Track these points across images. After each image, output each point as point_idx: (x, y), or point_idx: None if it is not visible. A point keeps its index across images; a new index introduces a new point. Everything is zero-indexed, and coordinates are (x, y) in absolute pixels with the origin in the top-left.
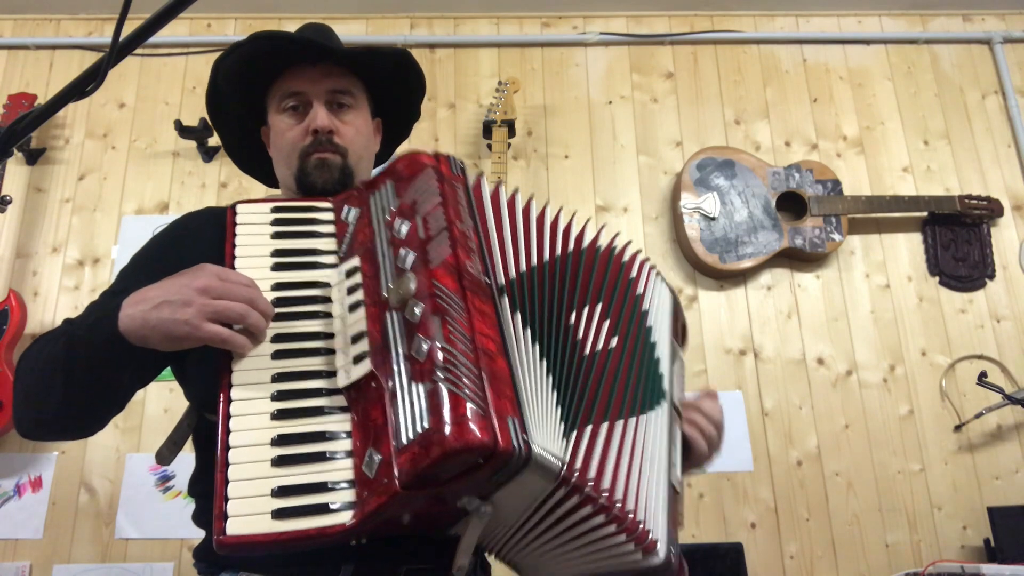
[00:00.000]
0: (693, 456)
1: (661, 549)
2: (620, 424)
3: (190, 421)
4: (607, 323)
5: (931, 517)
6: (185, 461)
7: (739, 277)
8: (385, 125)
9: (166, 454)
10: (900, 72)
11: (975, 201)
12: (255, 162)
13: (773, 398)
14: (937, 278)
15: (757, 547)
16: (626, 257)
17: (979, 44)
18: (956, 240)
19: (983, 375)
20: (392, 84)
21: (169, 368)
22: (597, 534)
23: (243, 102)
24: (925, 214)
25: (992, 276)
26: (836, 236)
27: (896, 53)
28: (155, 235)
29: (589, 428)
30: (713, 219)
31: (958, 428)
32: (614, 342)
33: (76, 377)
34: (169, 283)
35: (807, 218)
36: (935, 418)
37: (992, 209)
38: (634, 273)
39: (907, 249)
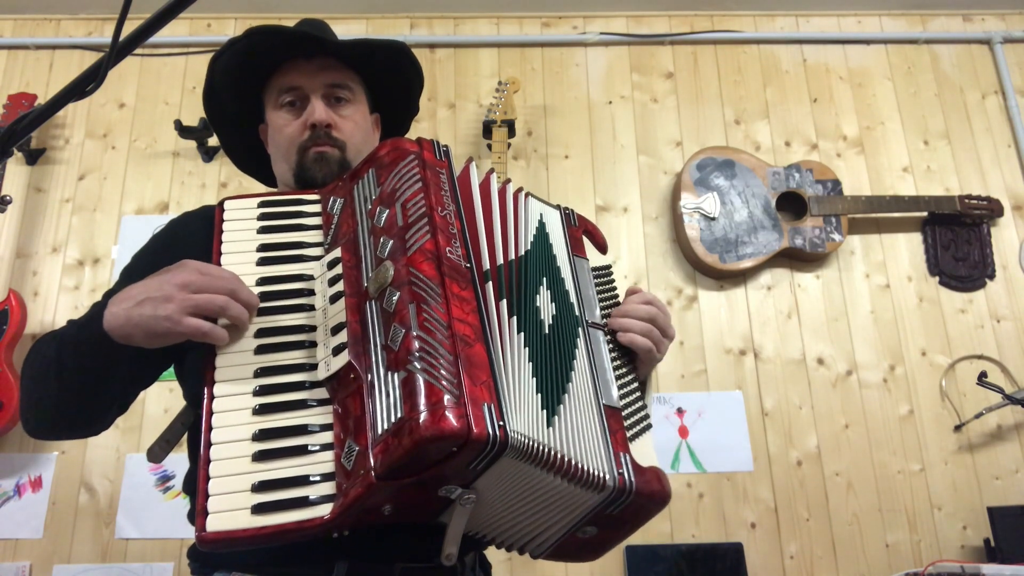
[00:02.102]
0: (640, 359)
1: (608, 480)
2: (570, 385)
3: (184, 420)
4: (549, 292)
5: (931, 517)
6: (185, 462)
7: (739, 277)
8: (384, 120)
9: (157, 452)
10: (900, 72)
11: (975, 201)
12: (253, 161)
13: (773, 398)
14: (937, 278)
15: (757, 547)
16: (522, 204)
17: (979, 44)
18: (956, 240)
19: (983, 375)
20: (390, 78)
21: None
22: (567, 499)
23: (240, 99)
24: (925, 214)
25: (992, 276)
26: (836, 236)
27: (896, 53)
28: (153, 235)
29: (560, 405)
30: (713, 219)
31: (958, 428)
32: (553, 308)
33: (68, 377)
34: (151, 280)
35: (807, 218)
36: (935, 418)
37: (992, 209)
38: (535, 221)
39: (907, 249)
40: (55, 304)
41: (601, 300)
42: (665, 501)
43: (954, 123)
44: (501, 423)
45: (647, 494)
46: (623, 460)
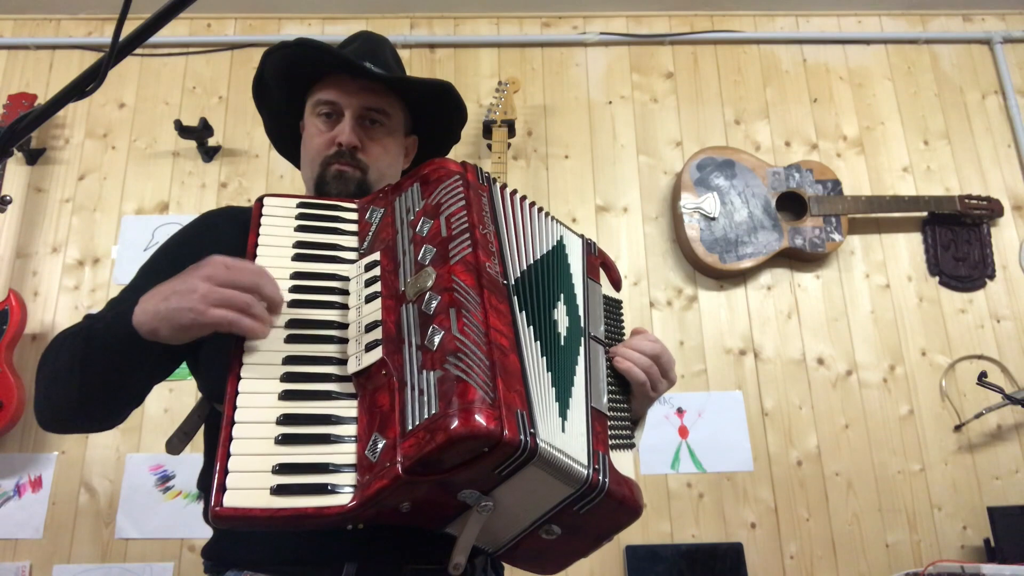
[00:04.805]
0: (634, 387)
1: (583, 473)
2: (573, 388)
3: (201, 412)
4: (565, 307)
5: (931, 517)
6: (185, 461)
7: (739, 277)
8: (422, 142)
9: (176, 444)
10: (900, 72)
11: (975, 201)
12: (292, 149)
13: (773, 398)
14: (937, 278)
15: (757, 547)
16: (553, 227)
17: (979, 44)
18: (956, 240)
19: (983, 375)
20: (431, 109)
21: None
22: (540, 489)
23: (285, 94)
24: (925, 214)
25: (992, 276)
26: (836, 236)
27: (896, 53)
28: (177, 231)
29: (568, 410)
30: (713, 219)
31: (958, 428)
32: (567, 320)
33: (92, 374)
34: (178, 277)
35: (807, 218)
36: (935, 418)
37: (992, 209)
38: (553, 239)
39: (907, 249)
40: (55, 304)
41: (608, 328)
42: (635, 512)
43: (954, 123)
44: (532, 431)
45: (618, 498)
46: (600, 458)
